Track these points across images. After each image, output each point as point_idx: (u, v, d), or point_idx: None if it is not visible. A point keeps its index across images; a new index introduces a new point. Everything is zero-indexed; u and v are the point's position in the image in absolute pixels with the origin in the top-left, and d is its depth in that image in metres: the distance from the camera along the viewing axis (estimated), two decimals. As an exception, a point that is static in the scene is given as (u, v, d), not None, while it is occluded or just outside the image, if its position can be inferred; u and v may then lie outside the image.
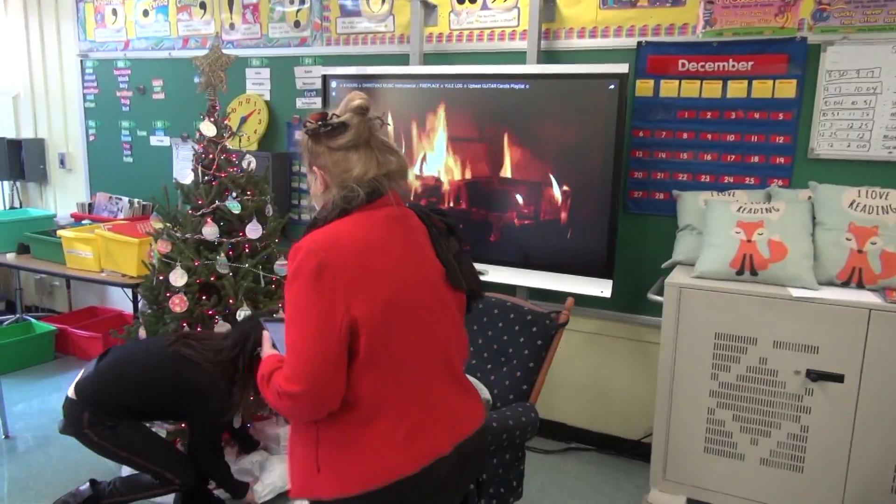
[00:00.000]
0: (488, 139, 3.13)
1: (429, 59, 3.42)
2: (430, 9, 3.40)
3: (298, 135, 1.49)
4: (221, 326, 2.89)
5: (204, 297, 2.94)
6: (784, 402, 2.44)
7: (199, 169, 2.99)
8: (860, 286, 2.46)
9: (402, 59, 3.49)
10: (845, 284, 2.48)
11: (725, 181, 2.95)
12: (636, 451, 3.27)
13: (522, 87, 3.03)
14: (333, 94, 3.44)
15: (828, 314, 2.34)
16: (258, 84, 3.97)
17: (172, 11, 4.18)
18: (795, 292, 2.41)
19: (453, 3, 3.37)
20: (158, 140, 4.40)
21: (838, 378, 2.35)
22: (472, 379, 2.48)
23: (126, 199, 4.38)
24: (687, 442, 2.62)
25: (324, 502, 1.41)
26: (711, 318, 2.51)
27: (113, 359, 2.54)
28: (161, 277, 3.03)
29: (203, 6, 4.07)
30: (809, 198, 2.67)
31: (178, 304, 2.86)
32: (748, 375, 2.48)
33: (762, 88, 2.83)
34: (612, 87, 2.85)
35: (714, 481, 2.60)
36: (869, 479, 2.36)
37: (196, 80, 3.06)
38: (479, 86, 3.11)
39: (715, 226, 2.64)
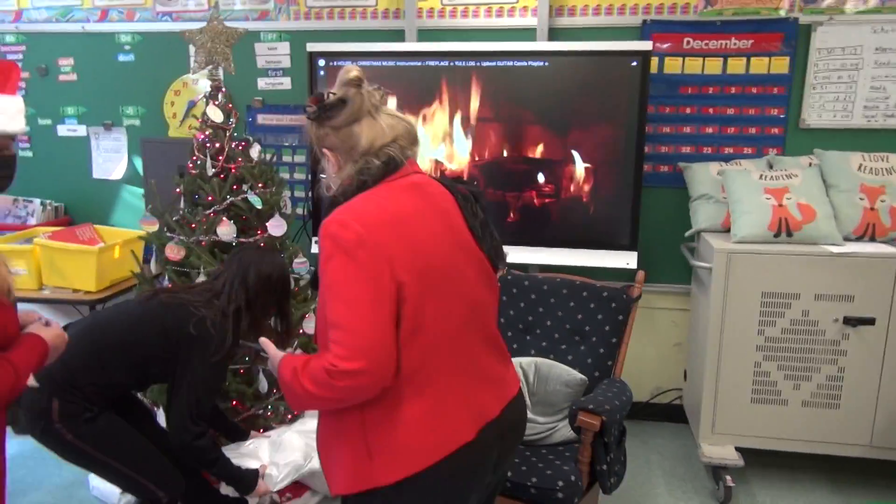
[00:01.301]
0: (505, 118, 3.07)
1: (423, 35, 3.26)
2: (420, -18, 3.24)
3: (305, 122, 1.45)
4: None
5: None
6: (823, 347, 2.72)
7: (208, 160, 2.61)
8: (872, 239, 2.80)
9: (390, 36, 3.30)
10: (860, 239, 2.80)
11: (726, 152, 3.17)
12: (646, 411, 3.45)
13: (541, 64, 3.00)
14: (322, 73, 3.16)
15: (861, 266, 2.64)
16: (207, 63, 3.52)
17: (84, -23, 3.56)
18: (831, 249, 2.67)
19: (445, -24, 3.24)
20: (70, 130, 3.75)
21: (870, 321, 2.66)
22: (560, 365, 2.47)
23: (37, 201, 3.69)
24: (734, 395, 2.82)
25: (381, 490, 1.35)
26: (759, 278, 2.71)
27: (81, 330, 2.06)
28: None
29: (127, -27, 3.51)
30: (810, 164, 2.96)
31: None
32: (791, 328, 2.73)
33: (759, 65, 3.08)
34: (634, 63, 2.93)
35: (759, 428, 2.83)
36: (894, 410, 2.71)
37: (193, 59, 2.60)
38: (493, 63, 3.04)
39: (741, 193, 2.84)
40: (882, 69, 2.99)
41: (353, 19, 3.36)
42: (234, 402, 2.61)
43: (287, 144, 3.49)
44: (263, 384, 2.63)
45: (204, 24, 2.69)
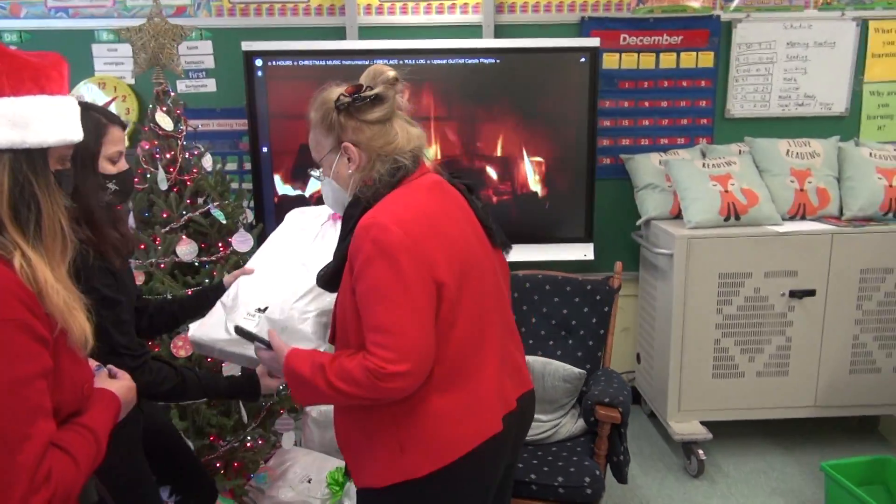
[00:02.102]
0: (457, 117, 3.02)
1: (364, 33, 3.12)
2: (356, -23, 3.10)
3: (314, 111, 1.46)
4: None
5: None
6: (773, 321, 2.94)
7: (160, 172, 2.33)
8: (804, 218, 3.06)
9: (328, 34, 3.13)
10: (793, 218, 3.06)
11: (661, 143, 3.33)
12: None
13: (492, 61, 2.98)
14: (259, 73, 2.94)
15: (801, 243, 2.88)
16: (114, 64, 3.15)
17: (-46, -34, 3.05)
18: (776, 229, 2.89)
19: (382, -28, 3.13)
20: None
21: (812, 293, 2.91)
22: (554, 361, 2.49)
23: None
24: (697, 373, 2.97)
25: (413, 482, 1.38)
26: (715, 261, 2.88)
27: None
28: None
29: (10, -39, 3.05)
30: (740, 151, 3.19)
31: (184, 346, 2.24)
32: (746, 304, 2.92)
33: (688, 59, 3.26)
34: (583, 59, 2.99)
35: (720, 401, 3.00)
36: (833, 370, 2.99)
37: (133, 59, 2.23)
38: (443, 61, 2.98)
39: (689, 182, 3.00)
40: (792, 62, 3.28)
41: (285, 16, 3.15)
42: (212, 437, 2.36)
43: (225, 151, 3.20)
44: (244, 414, 2.40)
45: (140, 21, 2.40)
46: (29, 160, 1.03)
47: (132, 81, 3.16)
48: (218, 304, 1.82)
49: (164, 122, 2.35)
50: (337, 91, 1.45)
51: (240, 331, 1.60)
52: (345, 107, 1.42)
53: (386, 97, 1.44)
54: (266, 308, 1.74)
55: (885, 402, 3.03)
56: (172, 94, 2.42)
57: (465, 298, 1.40)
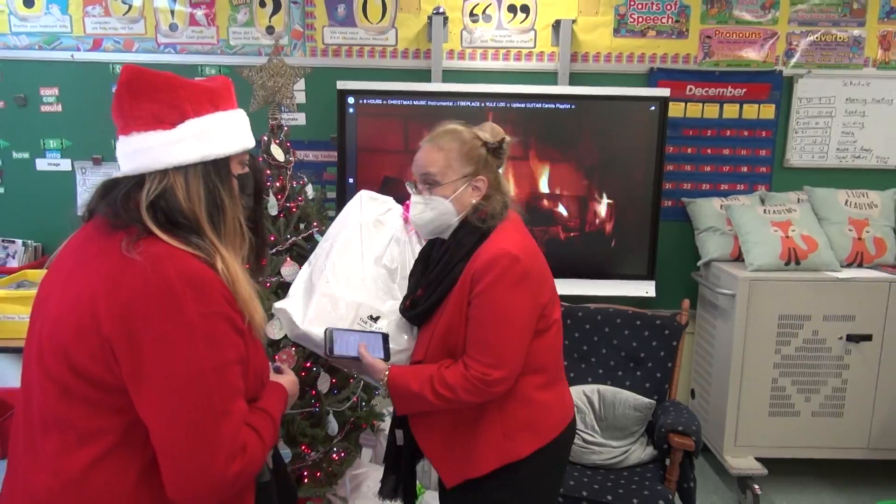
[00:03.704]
0: (533, 157, 3.22)
1: (447, 76, 3.35)
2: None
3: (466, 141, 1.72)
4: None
5: (294, 347, 2.53)
6: (830, 363, 3.06)
7: (271, 199, 2.55)
8: (860, 265, 3.19)
9: (411, 75, 3.36)
10: (850, 265, 3.19)
11: (722, 188, 3.50)
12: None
13: (568, 107, 3.19)
14: (351, 110, 3.17)
15: (859, 289, 3.01)
16: (214, 96, 3.41)
17: (76, 4, 3.34)
18: (835, 275, 3.03)
19: (466, 20, 3.36)
20: (51, 164, 3.47)
21: (868, 338, 3.03)
22: (624, 391, 2.63)
23: (20, 241, 3.37)
24: (754, 410, 3.09)
25: (514, 464, 1.66)
26: (775, 303, 3.02)
27: None
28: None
29: (127, 1, 3.34)
30: (799, 199, 3.34)
31: (287, 359, 2.43)
32: (804, 346, 3.05)
33: (750, 111, 3.43)
34: (652, 108, 3.18)
35: (775, 438, 3.12)
36: (888, 414, 3.09)
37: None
38: (522, 105, 3.19)
39: (751, 227, 3.15)
40: (851, 117, 3.44)
41: (373, 58, 3.40)
42: (304, 447, 2.54)
43: (311, 181, 3.43)
44: (333, 425, 2.57)
45: (243, 58, 2.64)
46: (216, 169, 1.21)
47: (229, 113, 3.41)
48: (321, 284, 1.91)
49: (278, 153, 2.58)
50: (468, 131, 1.74)
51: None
52: (493, 148, 1.74)
53: (506, 152, 1.81)
54: (378, 318, 1.89)
55: (939, 447, 3.12)
56: (286, 128, 2.64)
57: (556, 313, 1.74)
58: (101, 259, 1.14)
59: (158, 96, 1.18)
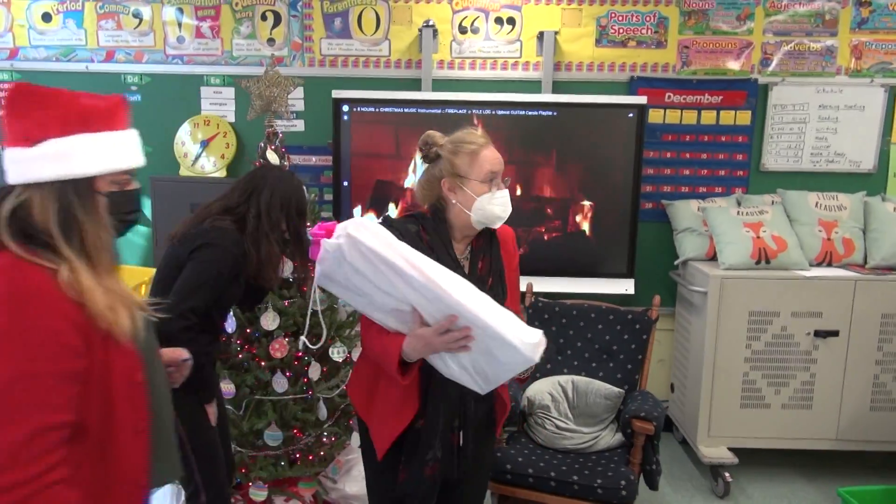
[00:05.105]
0: (517, 161, 3.40)
1: (436, 85, 3.55)
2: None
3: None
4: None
5: (287, 339, 2.73)
6: (798, 357, 3.21)
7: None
8: (829, 265, 3.34)
9: (404, 85, 3.56)
10: (820, 265, 3.34)
11: (700, 191, 3.66)
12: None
13: (550, 114, 3.37)
14: (345, 118, 3.37)
15: (826, 287, 3.16)
16: (218, 105, 3.64)
17: (91, 18, 3.58)
18: (803, 273, 3.18)
19: (455, 32, 3.55)
20: (67, 168, 3.70)
21: (835, 334, 3.18)
22: (596, 381, 2.80)
23: (37, 239, 3.61)
24: (726, 402, 3.25)
25: None
26: (746, 300, 3.17)
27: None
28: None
29: (138, 15, 3.57)
30: (773, 202, 3.49)
31: (279, 349, 2.64)
32: (773, 341, 3.20)
33: (727, 117, 3.60)
34: (631, 115, 3.36)
35: (747, 429, 3.27)
36: (855, 407, 3.24)
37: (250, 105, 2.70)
38: (507, 112, 3.37)
39: (724, 227, 3.31)
40: (824, 123, 3.59)
41: (368, 68, 3.60)
42: (296, 430, 2.74)
43: (307, 184, 3.64)
44: (322, 411, 2.77)
45: (246, 68, 2.84)
46: (75, 188, 1.24)
47: (233, 120, 3.63)
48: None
49: (273, 158, 2.78)
50: None
51: None
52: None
53: None
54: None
55: (905, 439, 3.27)
56: (281, 135, 2.85)
57: None
58: None
59: (31, 114, 1.23)
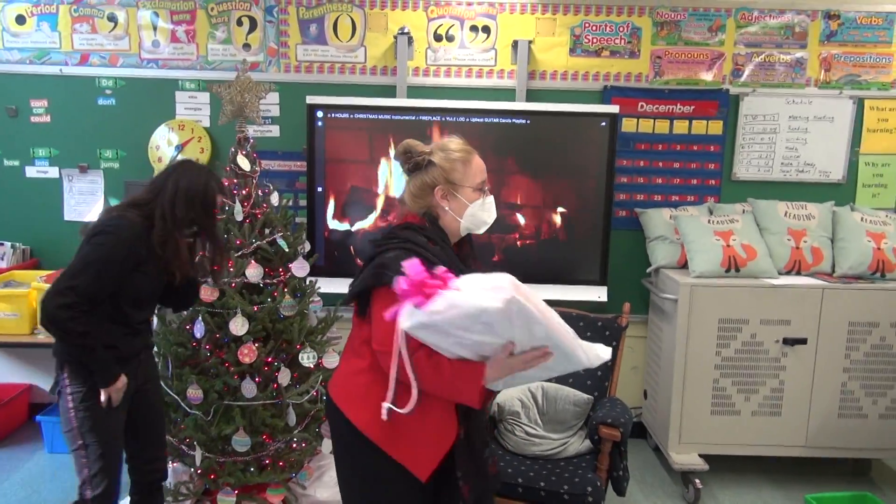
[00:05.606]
0: (490, 169, 3.39)
1: (411, 92, 3.56)
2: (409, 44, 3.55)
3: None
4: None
5: (256, 344, 2.73)
6: (768, 365, 3.24)
7: (237, 206, 2.75)
8: (798, 273, 3.38)
9: (379, 91, 3.57)
10: (789, 273, 3.38)
11: (673, 199, 3.69)
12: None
13: (523, 122, 3.39)
14: (319, 123, 3.38)
15: (794, 295, 3.20)
16: (193, 109, 3.63)
17: (65, 21, 3.56)
18: (772, 281, 3.22)
19: (430, 40, 3.57)
20: (40, 171, 3.68)
21: (803, 341, 3.22)
22: (565, 387, 2.82)
23: (8, 244, 3.57)
24: (697, 409, 3.27)
25: None
26: (716, 307, 3.20)
27: None
28: (188, 328, 2.73)
29: (113, 19, 3.56)
30: (744, 211, 3.53)
31: (248, 354, 2.63)
32: (743, 348, 3.23)
33: (699, 126, 3.64)
34: (603, 124, 3.39)
35: (717, 436, 3.29)
36: (823, 414, 3.27)
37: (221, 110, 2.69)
38: (480, 119, 3.39)
39: (695, 235, 3.35)
40: (794, 133, 3.64)
41: (343, 74, 3.61)
42: (265, 436, 2.73)
43: (282, 189, 3.63)
44: (292, 416, 2.76)
45: (222, 73, 2.85)
46: None
47: (207, 125, 3.63)
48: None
49: (244, 163, 2.78)
50: None
51: None
52: None
53: None
54: None
55: (872, 446, 3.30)
56: (252, 140, 2.84)
57: None
58: None
59: None
